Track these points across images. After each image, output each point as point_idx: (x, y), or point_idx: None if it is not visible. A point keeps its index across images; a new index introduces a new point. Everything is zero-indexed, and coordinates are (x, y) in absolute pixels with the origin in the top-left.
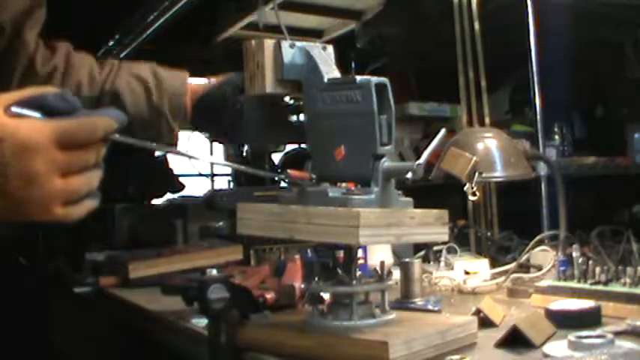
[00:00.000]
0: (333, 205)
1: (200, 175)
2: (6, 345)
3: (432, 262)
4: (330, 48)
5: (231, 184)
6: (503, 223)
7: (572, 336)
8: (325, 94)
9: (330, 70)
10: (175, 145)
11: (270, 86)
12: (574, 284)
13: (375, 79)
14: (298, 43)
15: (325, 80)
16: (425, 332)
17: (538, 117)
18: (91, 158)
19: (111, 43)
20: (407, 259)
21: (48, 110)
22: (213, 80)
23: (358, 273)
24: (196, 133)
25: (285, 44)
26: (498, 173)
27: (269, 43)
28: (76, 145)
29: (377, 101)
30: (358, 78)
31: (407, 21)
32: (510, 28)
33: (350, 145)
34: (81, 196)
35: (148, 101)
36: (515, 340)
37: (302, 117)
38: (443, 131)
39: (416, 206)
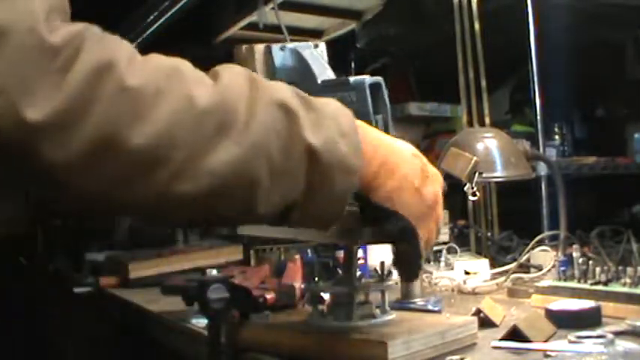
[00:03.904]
0: None
1: None
2: (6, 345)
3: (432, 262)
4: (322, 45)
5: None
6: (503, 223)
7: (572, 336)
8: (319, 95)
9: (323, 70)
10: None
11: None
12: (574, 284)
13: (368, 80)
14: (289, 45)
15: (319, 81)
16: (425, 332)
17: (538, 117)
18: None
19: None
20: None
21: None
22: None
23: (358, 273)
24: None
25: (275, 48)
26: (498, 173)
27: (259, 48)
28: None
29: (372, 101)
30: (352, 79)
31: (407, 21)
32: (510, 28)
33: None
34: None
35: None
36: (515, 340)
37: None
38: None
39: None
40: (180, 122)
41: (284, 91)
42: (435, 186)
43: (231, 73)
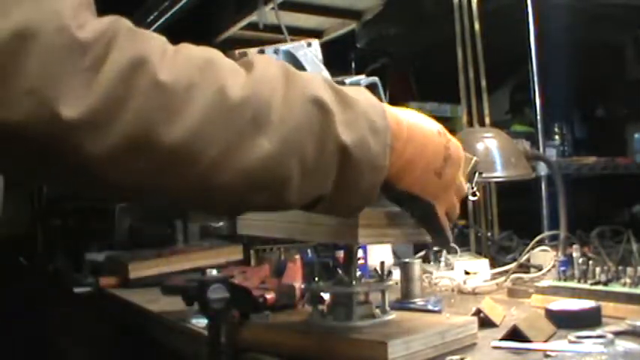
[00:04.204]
0: None
1: None
2: (6, 345)
3: (432, 262)
4: (316, 43)
5: None
6: (503, 223)
7: (572, 336)
8: None
9: (318, 70)
10: None
11: None
12: (574, 284)
13: (364, 81)
14: (282, 47)
15: None
16: (425, 332)
17: (538, 117)
18: None
19: None
20: (407, 259)
21: None
22: None
23: (358, 273)
24: None
25: (268, 51)
26: (498, 173)
27: (252, 53)
28: None
29: None
30: (347, 80)
31: (407, 21)
32: (510, 28)
33: None
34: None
35: None
36: (515, 340)
37: None
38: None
39: None
40: (214, 117)
41: (318, 84)
42: (455, 166)
43: (264, 63)
